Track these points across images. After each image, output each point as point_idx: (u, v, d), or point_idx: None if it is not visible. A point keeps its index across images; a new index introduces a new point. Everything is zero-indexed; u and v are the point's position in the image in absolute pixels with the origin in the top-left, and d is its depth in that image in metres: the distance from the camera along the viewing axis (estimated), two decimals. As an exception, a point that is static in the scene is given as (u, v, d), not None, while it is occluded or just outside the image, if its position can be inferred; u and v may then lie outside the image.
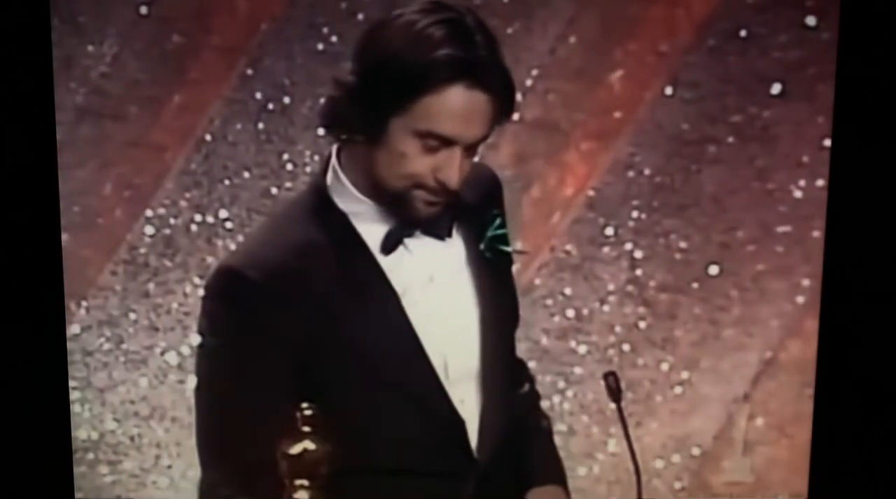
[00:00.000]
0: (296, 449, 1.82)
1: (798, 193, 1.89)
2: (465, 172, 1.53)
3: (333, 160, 1.56)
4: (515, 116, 1.85)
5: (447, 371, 1.62)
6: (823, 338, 1.85)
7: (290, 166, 1.93)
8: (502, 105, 1.50)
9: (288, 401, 1.50)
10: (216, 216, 1.95)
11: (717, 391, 1.99)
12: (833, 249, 1.84)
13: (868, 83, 1.80)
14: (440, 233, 1.62)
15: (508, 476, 1.66)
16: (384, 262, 1.60)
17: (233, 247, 1.95)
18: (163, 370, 2.01)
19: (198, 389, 1.63)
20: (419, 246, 1.62)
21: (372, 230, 1.58)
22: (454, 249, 1.66)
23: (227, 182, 1.93)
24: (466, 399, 1.64)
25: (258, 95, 1.90)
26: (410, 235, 1.60)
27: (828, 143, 1.87)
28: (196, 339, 1.95)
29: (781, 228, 1.91)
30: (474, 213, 1.64)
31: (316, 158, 1.91)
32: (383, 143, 1.50)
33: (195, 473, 1.56)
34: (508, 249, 1.67)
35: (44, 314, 1.87)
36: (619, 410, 1.73)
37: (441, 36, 1.44)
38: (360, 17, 1.87)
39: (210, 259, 1.96)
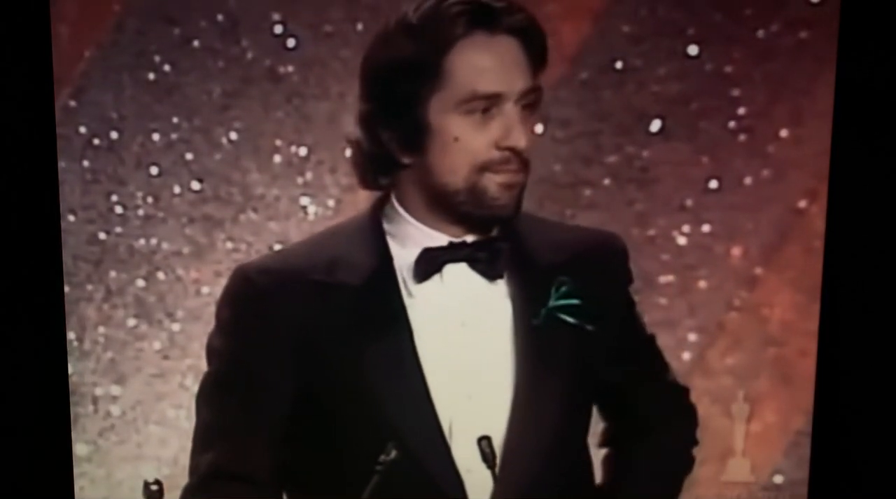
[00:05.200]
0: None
1: (682, 240, 1.73)
2: (533, 137, 1.45)
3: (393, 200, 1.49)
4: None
5: (451, 432, 1.52)
6: (823, 339, 1.74)
7: (119, 209, 1.73)
8: (533, 48, 1.41)
9: (284, 417, 1.49)
10: (38, 265, 1.74)
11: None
12: (833, 258, 1.73)
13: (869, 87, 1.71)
14: (490, 270, 1.49)
15: None
16: (413, 292, 1.49)
17: (58, 298, 1.77)
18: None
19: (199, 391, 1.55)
20: (456, 280, 1.49)
21: (410, 257, 1.49)
22: (500, 298, 1.52)
23: (50, 226, 1.73)
24: (474, 469, 1.53)
25: (82, 130, 1.71)
26: (455, 259, 1.48)
27: (714, 184, 1.71)
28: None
29: (664, 279, 1.74)
30: (550, 272, 1.52)
31: (149, 200, 1.73)
32: (432, 142, 1.41)
33: None
34: (572, 321, 1.53)
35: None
36: (494, 476, 1.59)
37: None
38: (196, 44, 1.69)
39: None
